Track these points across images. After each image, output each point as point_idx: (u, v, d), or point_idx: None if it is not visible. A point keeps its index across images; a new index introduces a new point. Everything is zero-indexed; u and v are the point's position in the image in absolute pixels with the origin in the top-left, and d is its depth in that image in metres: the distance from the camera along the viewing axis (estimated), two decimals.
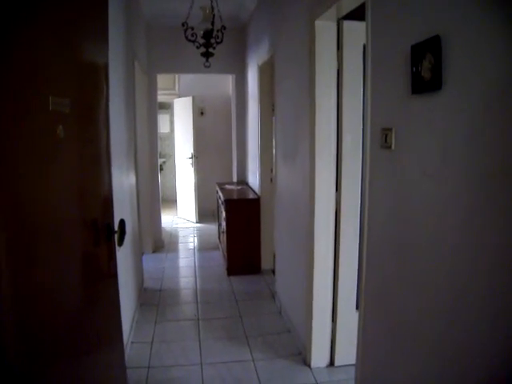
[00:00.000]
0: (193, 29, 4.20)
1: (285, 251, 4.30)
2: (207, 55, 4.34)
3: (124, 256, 3.43)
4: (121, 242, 1.98)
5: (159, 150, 7.54)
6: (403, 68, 1.81)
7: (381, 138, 2.03)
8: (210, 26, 4.16)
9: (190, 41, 4.21)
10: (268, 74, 5.24)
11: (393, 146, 1.93)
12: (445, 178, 1.59)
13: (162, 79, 7.66)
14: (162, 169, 9.62)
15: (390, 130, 1.94)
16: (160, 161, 8.01)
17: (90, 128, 1.82)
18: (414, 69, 1.69)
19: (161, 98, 8.02)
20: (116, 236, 1.97)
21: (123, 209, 3.59)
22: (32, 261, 1.22)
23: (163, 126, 10.22)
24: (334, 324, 3.29)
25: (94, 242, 1.83)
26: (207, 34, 4.22)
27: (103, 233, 1.90)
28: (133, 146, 4.43)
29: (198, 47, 4.32)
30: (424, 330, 1.77)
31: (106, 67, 2.04)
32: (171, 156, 10.29)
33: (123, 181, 3.68)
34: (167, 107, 10.18)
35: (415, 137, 1.78)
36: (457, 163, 1.52)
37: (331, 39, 3.04)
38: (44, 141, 1.30)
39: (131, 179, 4.26)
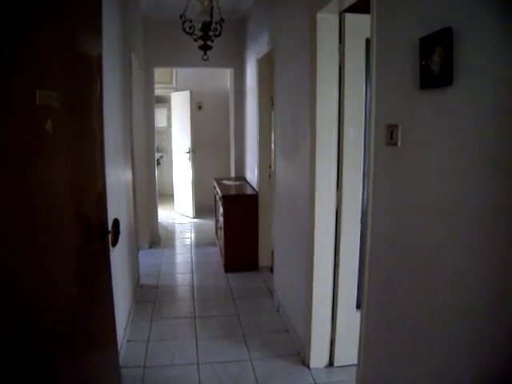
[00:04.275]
0: (191, 21, 4.11)
1: (283, 248, 4.24)
2: (205, 48, 4.26)
3: (120, 252, 3.36)
4: (115, 243, 1.90)
5: (156, 144, 7.48)
6: (410, 62, 1.74)
7: (386, 135, 1.96)
8: (209, 19, 4.07)
9: (187, 33, 4.13)
10: (267, 68, 5.16)
11: (399, 143, 1.86)
12: (455, 177, 1.52)
13: (159, 73, 7.58)
14: (159, 163, 9.55)
15: (396, 126, 1.86)
16: (157, 155, 7.94)
17: (82, 123, 1.74)
18: (423, 63, 1.61)
19: (158, 91, 7.95)
20: (110, 236, 1.90)
21: (119, 204, 3.52)
22: (19, 260, 1.16)
23: (160, 120, 10.14)
24: (334, 324, 3.23)
25: (87, 241, 1.76)
26: (205, 27, 4.14)
27: (97, 233, 1.83)
28: (129, 140, 4.36)
29: (195, 40, 4.23)
30: (428, 331, 1.73)
31: (99, 59, 1.95)
32: (168, 150, 10.21)
33: (119, 176, 3.61)
34: (165, 101, 10.09)
35: (423, 134, 1.71)
36: (468, 161, 1.45)
37: (333, 32, 2.95)
38: (30, 136, 1.22)
39: (127, 174, 4.19)
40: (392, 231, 2.01)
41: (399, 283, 1.95)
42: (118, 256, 3.27)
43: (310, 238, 3.20)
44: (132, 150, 4.57)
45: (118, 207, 3.38)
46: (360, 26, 2.85)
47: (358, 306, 3.10)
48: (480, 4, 1.38)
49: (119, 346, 3.08)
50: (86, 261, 1.77)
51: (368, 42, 2.70)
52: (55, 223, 1.43)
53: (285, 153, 4.07)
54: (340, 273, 3.15)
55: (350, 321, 3.11)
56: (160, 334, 3.85)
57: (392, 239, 2.01)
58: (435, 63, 1.54)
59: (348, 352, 3.08)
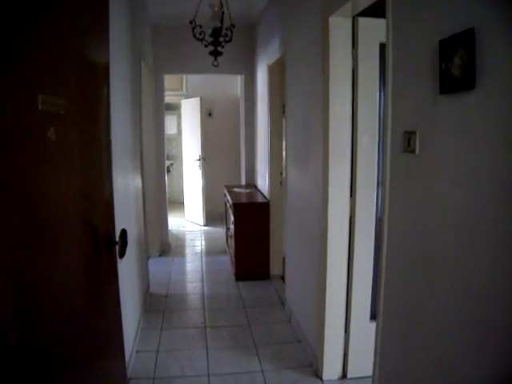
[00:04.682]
0: (201, 27, 4.06)
1: (295, 257, 4.17)
2: (216, 54, 4.21)
3: (129, 261, 3.31)
4: (122, 254, 1.84)
5: (166, 151, 7.45)
6: (429, 66, 1.67)
7: (403, 142, 1.89)
8: (219, 24, 4.02)
9: (198, 39, 4.08)
10: (278, 73, 5.11)
11: (417, 151, 1.79)
12: (478, 188, 1.44)
13: (169, 80, 7.56)
14: (169, 171, 9.52)
15: (414, 133, 1.79)
16: (167, 163, 7.91)
17: (88, 130, 1.68)
18: (443, 66, 1.54)
19: (168, 98, 7.92)
20: (117, 247, 1.84)
21: (128, 213, 3.47)
22: (22, 272, 1.11)
23: (170, 128, 10.12)
24: (347, 335, 3.16)
25: (93, 253, 1.70)
26: (216, 32, 4.08)
27: (103, 244, 1.77)
28: (139, 147, 4.32)
29: (206, 46, 4.19)
30: (447, 343, 1.65)
31: (106, 65, 1.91)
32: (178, 158, 10.18)
33: (128, 183, 3.56)
34: (174, 108, 10.06)
35: (444, 141, 1.63)
36: (493, 171, 1.37)
37: (346, 37, 2.90)
38: (30, 144, 1.16)
39: (137, 182, 4.15)
40: (410, 243, 1.93)
41: (416, 294, 1.87)
42: (127, 265, 3.22)
43: (322, 246, 3.12)
44: (141, 158, 4.53)
45: (126, 216, 3.33)
46: (374, 30, 2.80)
47: (372, 317, 3.03)
48: (503, 4, 1.31)
49: (128, 357, 3.03)
50: (93, 272, 1.71)
51: (382, 46, 2.65)
52: (58, 233, 1.37)
53: (297, 160, 4.01)
54: (353, 282, 3.08)
55: (364, 331, 3.03)
56: (170, 344, 3.78)
57: (410, 252, 1.93)
58: (456, 66, 1.47)
59: (362, 363, 3.02)
